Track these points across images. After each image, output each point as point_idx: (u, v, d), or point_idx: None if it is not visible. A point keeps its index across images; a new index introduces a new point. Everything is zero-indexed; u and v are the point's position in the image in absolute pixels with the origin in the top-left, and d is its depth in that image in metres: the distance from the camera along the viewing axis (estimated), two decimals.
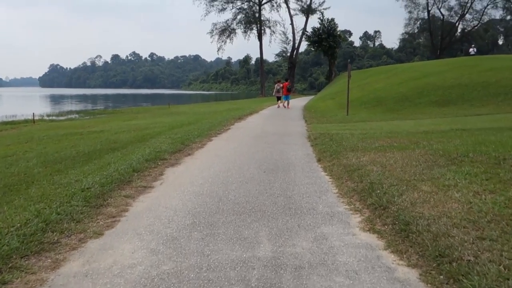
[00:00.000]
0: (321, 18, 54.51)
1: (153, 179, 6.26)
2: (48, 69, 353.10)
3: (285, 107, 25.40)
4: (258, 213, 4.52)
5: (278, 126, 14.39)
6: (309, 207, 4.71)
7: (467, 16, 77.85)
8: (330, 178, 6.14)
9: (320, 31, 53.09)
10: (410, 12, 76.47)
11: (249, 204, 4.86)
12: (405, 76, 26.08)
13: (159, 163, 7.36)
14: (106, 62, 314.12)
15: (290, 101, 27.32)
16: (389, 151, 7.14)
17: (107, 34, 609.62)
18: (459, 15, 78.45)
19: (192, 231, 3.98)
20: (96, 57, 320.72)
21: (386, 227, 3.90)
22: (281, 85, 26.36)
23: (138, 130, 14.45)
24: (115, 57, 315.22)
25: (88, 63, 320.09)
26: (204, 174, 6.52)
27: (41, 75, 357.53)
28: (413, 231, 3.55)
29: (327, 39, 52.15)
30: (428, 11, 75.57)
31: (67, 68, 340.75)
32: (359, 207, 4.63)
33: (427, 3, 73.67)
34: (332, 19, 53.65)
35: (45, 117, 34.01)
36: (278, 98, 26.53)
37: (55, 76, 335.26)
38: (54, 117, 34.49)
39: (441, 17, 77.19)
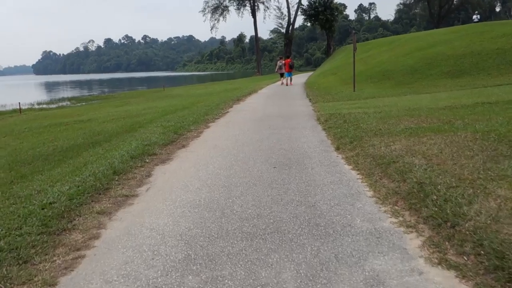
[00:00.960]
0: None
1: (137, 183, 5.04)
2: (41, 56, 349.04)
3: (287, 84, 24.84)
4: (275, 235, 3.30)
5: (281, 107, 13.12)
6: (343, 222, 3.50)
7: None
8: (358, 174, 4.92)
9: (316, 4, 51.12)
10: None
11: (261, 219, 3.65)
12: (410, 47, 24.66)
13: (147, 160, 6.13)
14: (99, 47, 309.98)
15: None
16: (423, 135, 5.90)
17: (99, 18, 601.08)
18: None
19: (185, 274, 2.76)
20: (89, 42, 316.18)
21: (466, 259, 2.68)
22: (283, 61, 25.92)
23: (127, 118, 13.19)
24: (108, 41, 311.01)
25: (81, 49, 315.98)
26: (201, 174, 5.30)
27: (34, 62, 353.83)
28: None
29: (324, 12, 50.25)
30: None
31: (60, 54, 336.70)
32: (412, 221, 3.40)
33: None
34: None
35: (35, 106, 32.62)
36: (282, 75, 26.37)
37: (49, 63, 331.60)
38: (45, 106, 33.08)
39: None
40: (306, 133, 8.00)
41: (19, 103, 25.37)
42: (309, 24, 53.45)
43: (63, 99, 38.78)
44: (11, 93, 62.72)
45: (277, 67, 26.64)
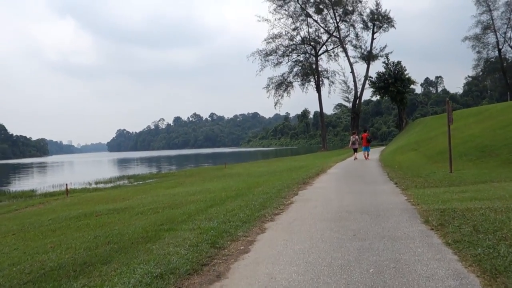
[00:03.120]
0: (386, 62, 50.18)
1: None
2: (115, 134, 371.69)
3: (366, 158, 24.81)
4: None
5: (361, 195, 10.03)
6: None
7: None
8: None
9: (386, 75, 48.55)
10: (478, 52, 70.33)
11: None
12: (506, 118, 20.94)
13: None
14: (168, 125, 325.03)
15: (359, 153, 26.55)
16: None
17: (169, 98, 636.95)
18: None
19: None
20: (159, 120, 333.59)
21: None
22: (357, 137, 26.62)
23: (167, 208, 10.63)
24: (177, 119, 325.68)
25: (152, 126, 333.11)
26: None
27: (109, 140, 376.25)
28: None
29: (395, 83, 47.42)
30: (499, 50, 69.40)
31: (132, 132, 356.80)
32: None
33: (497, 41, 67.78)
34: (399, 62, 49.02)
35: (92, 186, 31.53)
36: (355, 150, 26.40)
37: (122, 141, 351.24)
38: (101, 185, 31.93)
39: None
40: (420, 252, 4.85)
41: (66, 184, 23.95)
42: (378, 97, 50.46)
43: (122, 178, 37.78)
44: (75, 172, 64.06)
45: (350, 142, 26.82)
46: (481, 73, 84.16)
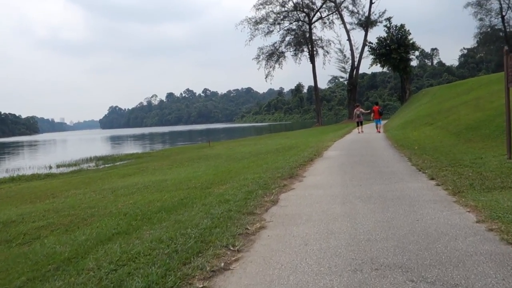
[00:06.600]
0: (388, 25, 44.98)
1: None
2: (107, 111, 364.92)
3: (378, 131, 23.98)
4: None
5: (385, 206, 5.74)
6: None
7: None
8: None
9: (388, 41, 43.50)
10: (480, 19, 65.86)
11: None
12: None
13: None
14: (161, 101, 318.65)
15: (364, 128, 26.05)
16: None
17: (162, 74, 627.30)
18: None
19: None
20: (152, 96, 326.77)
21: None
22: (361, 109, 26.28)
23: (55, 231, 6.34)
24: (170, 95, 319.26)
25: (145, 103, 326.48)
26: None
27: (101, 117, 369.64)
28: None
29: (397, 49, 42.43)
30: (503, 16, 64.74)
31: (125, 109, 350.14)
32: None
33: (501, 7, 63.10)
34: (402, 26, 43.72)
35: (51, 169, 27.22)
36: (358, 124, 25.90)
37: (115, 118, 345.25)
38: (63, 169, 27.50)
39: None
40: None
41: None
42: (378, 65, 45.56)
43: (92, 159, 33.28)
44: (52, 151, 59.49)
45: (354, 115, 26.37)
46: (476, 44, 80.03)
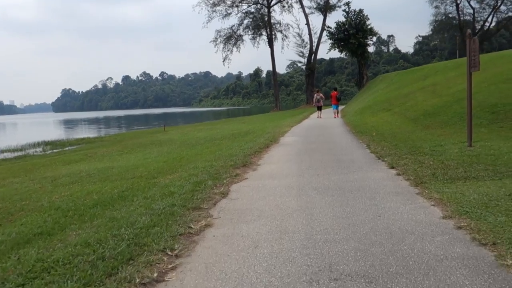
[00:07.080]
0: (347, 10, 44.81)
1: None
2: (60, 94, 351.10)
3: (335, 116, 24.25)
4: None
5: (343, 199, 5.28)
6: None
7: (502, 7, 68.03)
8: None
9: (346, 26, 43.38)
10: (436, 7, 67.11)
11: None
12: (505, 70, 16.68)
13: None
14: (117, 84, 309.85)
15: (322, 113, 26.12)
16: None
17: (118, 56, 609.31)
18: (491, 7, 68.59)
19: None
20: (107, 79, 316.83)
21: None
22: (321, 95, 27.11)
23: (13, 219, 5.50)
24: (126, 78, 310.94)
25: (100, 86, 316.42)
26: None
27: (54, 100, 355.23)
28: None
29: (356, 35, 42.41)
30: (457, 5, 66.15)
31: (79, 92, 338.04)
32: None
33: None
34: (360, 11, 43.58)
35: None
36: (318, 108, 26.29)
37: (68, 101, 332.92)
38: (7, 154, 25.82)
39: (472, 11, 67.55)
40: None
41: None
42: (337, 50, 45.38)
43: (39, 144, 31.50)
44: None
45: (314, 100, 26.68)
46: (431, 32, 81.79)
